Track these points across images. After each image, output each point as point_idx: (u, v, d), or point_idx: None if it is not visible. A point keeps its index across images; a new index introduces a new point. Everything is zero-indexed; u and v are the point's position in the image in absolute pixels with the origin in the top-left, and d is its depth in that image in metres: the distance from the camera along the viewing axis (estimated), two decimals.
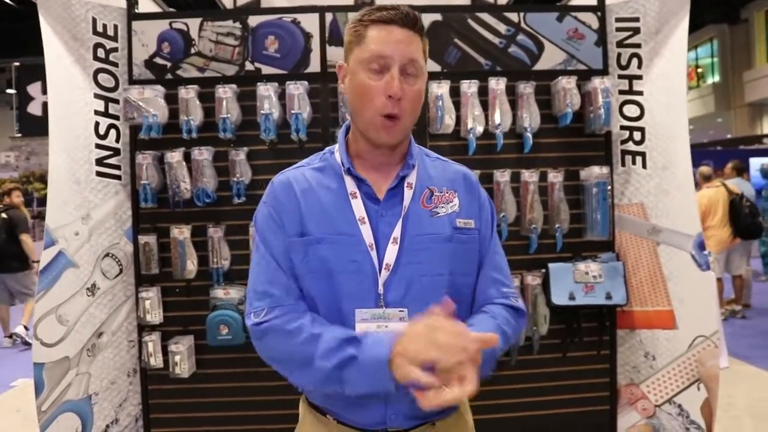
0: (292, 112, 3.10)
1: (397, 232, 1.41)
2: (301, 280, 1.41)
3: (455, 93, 3.22)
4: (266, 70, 3.24)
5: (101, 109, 3.14)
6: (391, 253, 1.40)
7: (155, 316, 3.11)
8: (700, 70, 22.92)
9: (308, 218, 1.42)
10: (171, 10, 3.88)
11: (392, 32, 1.37)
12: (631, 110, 3.31)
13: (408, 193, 1.45)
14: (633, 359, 3.32)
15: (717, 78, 22.52)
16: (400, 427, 1.42)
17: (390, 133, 1.40)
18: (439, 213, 1.46)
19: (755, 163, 13.07)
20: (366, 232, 1.40)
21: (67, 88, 3.10)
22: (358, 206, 1.42)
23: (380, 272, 1.39)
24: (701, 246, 3.20)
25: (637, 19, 3.30)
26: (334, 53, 3.24)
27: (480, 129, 3.20)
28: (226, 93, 3.11)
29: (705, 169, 7.72)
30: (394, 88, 1.34)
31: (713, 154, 15.59)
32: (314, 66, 3.24)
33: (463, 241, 1.47)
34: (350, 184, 1.45)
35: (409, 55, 1.37)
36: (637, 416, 3.30)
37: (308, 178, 1.48)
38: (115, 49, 3.19)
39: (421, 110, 1.47)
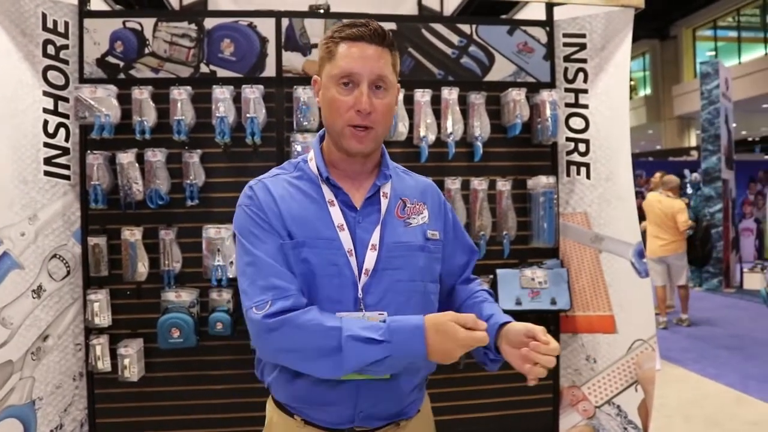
0: (248, 115, 3.11)
1: (375, 239, 1.46)
2: None
3: (409, 101, 3.29)
4: (221, 73, 3.23)
5: (50, 107, 3.08)
6: (370, 259, 1.45)
7: (104, 318, 3.06)
8: (632, 82, 23.77)
9: (290, 222, 1.44)
10: (120, 8, 3.83)
11: (361, 49, 1.41)
12: (577, 123, 3.45)
13: (384, 203, 1.51)
14: (575, 362, 3.45)
15: (648, 91, 23.41)
16: (367, 426, 1.47)
17: (361, 141, 1.44)
18: (411, 223, 1.54)
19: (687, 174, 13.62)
20: (345, 238, 1.45)
21: (14, 85, 3.02)
22: (336, 213, 1.47)
23: (359, 277, 1.43)
24: (640, 254, 3.36)
25: (583, 36, 3.44)
26: (290, 58, 3.27)
27: (432, 137, 3.27)
28: (180, 95, 3.09)
29: (670, 178, 7.83)
30: (363, 103, 1.39)
31: (645, 165, 16.20)
32: (270, 70, 3.25)
33: (432, 251, 1.55)
34: (328, 193, 1.49)
35: (378, 71, 1.41)
36: (578, 417, 3.43)
37: (285, 185, 1.50)
38: (66, 47, 3.13)
39: (392, 121, 1.53)
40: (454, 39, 3.42)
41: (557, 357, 3.39)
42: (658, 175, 8.41)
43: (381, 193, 1.52)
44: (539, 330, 1.37)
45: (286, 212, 1.45)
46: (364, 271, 1.44)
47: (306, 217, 1.45)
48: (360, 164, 1.52)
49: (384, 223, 1.49)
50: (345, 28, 1.43)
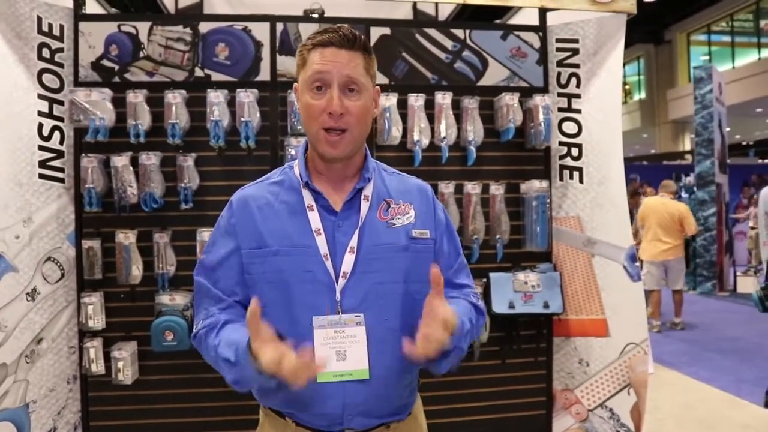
0: (242, 119, 3.12)
1: (353, 242, 1.48)
2: (259, 290, 1.48)
3: (402, 105, 3.30)
4: (216, 77, 3.24)
5: (45, 110, 3.09)
6: (348, 262, 1.46)
7: (98, 321, 3.06)
8: (627, 87, 23.86)
9: (265, 232, 1.49)
10: (115, 11, 3.84)
11: (332, 53, 1.43)
12: (570, 127, 3.47)
13: (365, 205, 1.52)
14: (568, 365, 3.47)
15: (643, 95, 23.51)
16: (356, 428, 1.48)
17: (335, 146, 1.45)
18: (395, 224, 1.53)
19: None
20: (321, 242, 1.46)
21: (10, 88, 3.02)
22: (314, 218, 1.49)
23: (337, 280, 1.45)
24: (632, 258, 3.38)
25: (576, 41, 3.47)
26: (285, 62, 3.28)
27: (426, 141, 3.29)
28: (175, 98, 3.10)
29: (670, 182, 7.98)
30: (334, 105, 1.41)
31: (639, 168, 16.26)
32: (264, 75, 3.27)
33: (418, 251, 1.54)
34: (308, 198, 1.51)
35: (347, 72, 1.42)
36: (571, 420, 3.44)
37: (266, 194, 1.54)
38: (61, 50, 3.14)
39: (371, 124, 1.55)
40: (448, 44, 3.43)
41: (550, 360, 3.43)
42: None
43: (362, 196, 1.53)
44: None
45: (263, 223, 1.50)
46: (341, 274, 1.45)
47: (282, 227, 1.49)
48: (341, 169, 1.53)
49: (364, 226, 1.50)
50: (316, 35, 1.46)
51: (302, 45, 1.49)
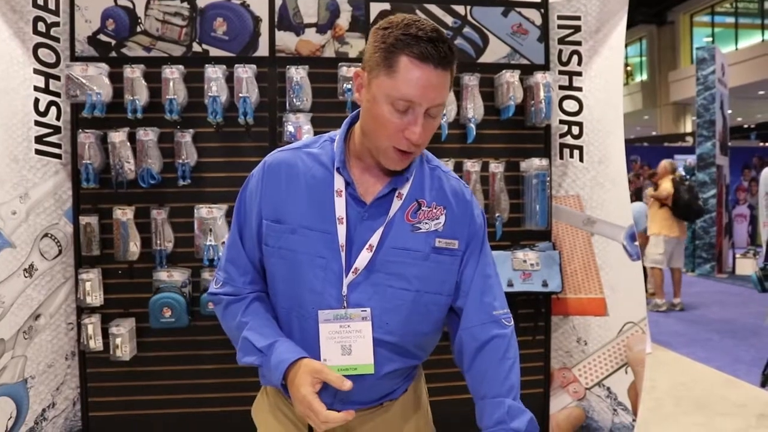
0: (240, 95, 3.09)
1: (374, 239, 1.41)
2: (272, 262, 1.46)
3: None
4: (214, 52, 3.20)
5: (41, 85, 3.05)
6: (364, 258, 1.40)
7: (95, 298, 3.05)
8: (629, 68, 23.74)
9: (287, 207, 1.43)
10: None
11: (427, 74, 1.28)
12: (571, 105, 3.45)
13: (396, 204, 1.44)
14: (566, 344, 3.47)
15: (645, 76, 23.39)
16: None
17: (402, 163, 1.39)
18: (420, 229, 1.44)
19: (679, 159, 13.69)
20: (341, 232, 1.40)
21: (5, 63, 2.99)
22: (340, 205, 1.41)
23: (347, 274, 1.40)
24: (632, 237, 3.37)
25: (578, 18, 3.43)
26: (283, 38, 3.24)
27: None
28: (173, 74, 3.06)
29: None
30: (416, 135, 1.31)
31: (640, 150, 16.22)
32: (263, 50, 3.23)
33: (440, 261, 1.46)
34: (338, 182, 1.43)
35: (439, 100, 1.32)
36: (568, 398, 3.45)
37: (299, 164, 1.46)
38: (57, 24, 3.10)
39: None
40: (449, 20, 3.40)
41: (548, 339, 3.43)
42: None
43: (396, 194, 1.43)
44: None
45: (287, 195, 1.44)
46: (353, 269, 1.40)
47: (306, 204, 1.43)
48: None
49: (389, 225, 1.42)
50: (411, 40, 1.27)
51: (392, 40, 1.29)
